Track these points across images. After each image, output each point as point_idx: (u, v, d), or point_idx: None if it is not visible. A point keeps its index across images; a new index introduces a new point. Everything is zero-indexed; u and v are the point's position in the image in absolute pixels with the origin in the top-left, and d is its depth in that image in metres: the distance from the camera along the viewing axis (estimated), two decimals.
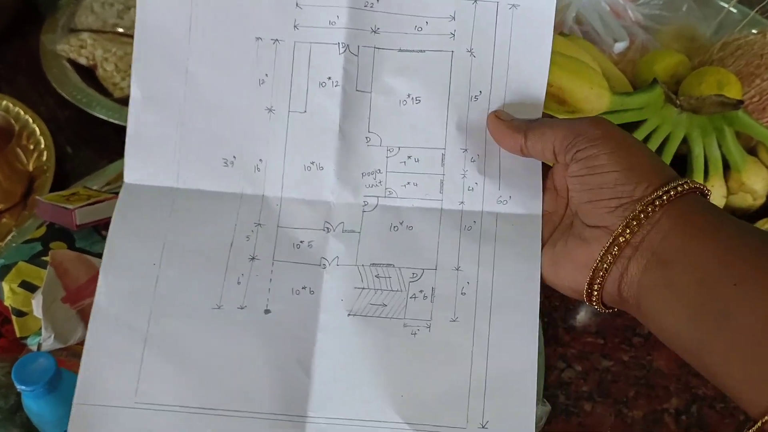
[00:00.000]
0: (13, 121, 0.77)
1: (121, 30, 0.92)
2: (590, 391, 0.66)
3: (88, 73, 0.88)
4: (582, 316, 0.71)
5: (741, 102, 0.66)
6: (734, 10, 0.88)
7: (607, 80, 0.68)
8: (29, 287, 0.58)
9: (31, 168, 0.80)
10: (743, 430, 0.31)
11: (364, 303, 0.39)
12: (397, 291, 0.39)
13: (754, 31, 0.84)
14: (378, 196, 0.41)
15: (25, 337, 0.57)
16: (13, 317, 0.57)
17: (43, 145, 0.81)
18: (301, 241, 0.41)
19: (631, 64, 0.81)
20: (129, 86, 0.84)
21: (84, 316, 0.57)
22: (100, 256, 0.61)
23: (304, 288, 0.40)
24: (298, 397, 0.38)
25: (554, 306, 0.71)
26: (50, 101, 0.91)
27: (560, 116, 0.67)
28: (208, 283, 0.40)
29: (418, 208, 0.41)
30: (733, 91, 0.71)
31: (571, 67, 0.64)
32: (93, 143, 0.86)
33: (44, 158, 0.80)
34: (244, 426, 0.37)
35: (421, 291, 0.39)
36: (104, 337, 0.39)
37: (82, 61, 0.87)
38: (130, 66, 0.85)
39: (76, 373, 0.55)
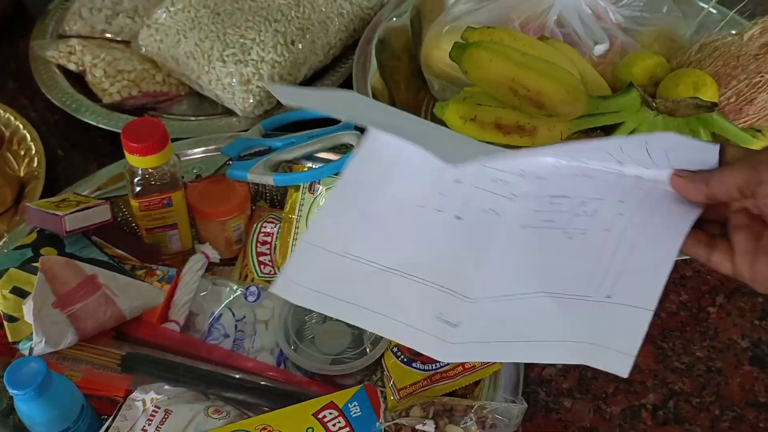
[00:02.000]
0: (2, 128, 0.79)
1: (109, 35, 0.93)
2: (570, 388, 0.67)
3: (77, 78, 0.90)
4: None
5: (715, 104, 0.68)
6: (714, 11, 0.90)
7: (585, 83, 0.69)
8: (20, 293, 0.59)
9: (21, 173, 0.81)
10: None
11: (535, 220, 0.48)
12: (566, 212, 0.48)
13: (733, 31, 0.85)
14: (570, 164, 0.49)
15: (17, 342, 0.58)
16: (5, 322, 0.59)
17: (33, 151, 0.82)
18: (499, 179, 0.50)
19: (611, 66, 0.83)
20: (117, 92, 0.86)
21: (74, 320, 0.59)
22: (89, 261, 0.63)
23: (492, 210, 0.49)
24: (465, 281, 0.47)
25: None
26: (40, 105, 0.92)
27: (540, 119, 0.69)
28: (416, 188, 0.51)
29: (600, 169, 0.48)
30: (709, 93, 0.73)
31: (548, 72, 0.66)
32: (82, 148, 0.87)
33: (35, 164, 0.81)
34: (418, 288, 0.47)
35: (585, 211, 0.47)
36: (337, 203, 0.51)
37: (72, 67, 0.89)
38: (118, 71, 0.87)
39: (66, 376, 0.57)
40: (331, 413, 0.53)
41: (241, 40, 0.83)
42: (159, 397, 0.59)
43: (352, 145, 0.73)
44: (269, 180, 0.71)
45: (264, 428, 0.53)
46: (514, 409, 0.52)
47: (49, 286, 0.59)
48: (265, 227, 0.72)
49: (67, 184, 0.78)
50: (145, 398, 0.59)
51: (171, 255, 0.72)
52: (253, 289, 0.68)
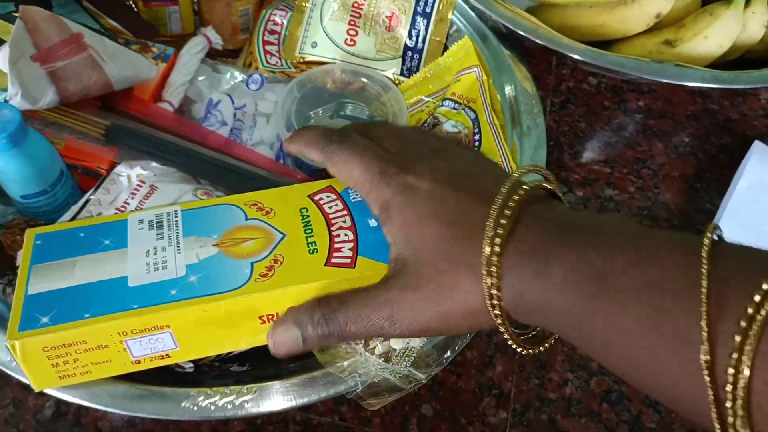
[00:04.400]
0: None
1: None
2: None
3: None
4: (592, 144, 0.67)
5: None
6: None
7: None
8: None
9: None
10: None
11: None
12: None
13: None
14: None
15: None
16: None
17: None
18: None
19: None
20: None
21: (55, 79, 0.53)
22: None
23: None
24: None
25: (562, 131, 0.67)
26: None
27: None
28: None
29: None
30: None
31: None
32: None
33: None
34: None
35: None
36: None
37: None
38: None
39: (48, 139, 0.52)
40: (328, 196, 0.48)
41: None
42: (145, 173, 0.54)
43: None
44: None
45: (254, 204, 0.48)
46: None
47: (30, 37, 0.53)
48: (274, 15, 0.65)
49: None
50: (131, 174, 0.55)
51: (169, 37, 0.66)
52: (256, 76, 0.62)
